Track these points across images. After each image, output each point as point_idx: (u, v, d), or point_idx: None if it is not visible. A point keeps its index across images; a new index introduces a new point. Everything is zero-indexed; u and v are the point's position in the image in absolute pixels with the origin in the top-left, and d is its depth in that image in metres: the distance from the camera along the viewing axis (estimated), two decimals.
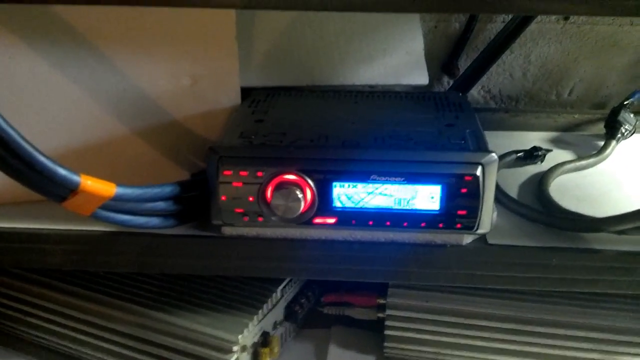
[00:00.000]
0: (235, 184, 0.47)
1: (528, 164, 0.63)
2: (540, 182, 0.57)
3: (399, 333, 0.57)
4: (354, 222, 0.48)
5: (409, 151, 0.47)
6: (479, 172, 0.46)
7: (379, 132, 0.50)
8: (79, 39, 0.54)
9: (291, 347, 0.60)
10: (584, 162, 0.62)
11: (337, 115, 0.56)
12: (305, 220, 0.48)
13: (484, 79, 0.81)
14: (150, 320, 0.53)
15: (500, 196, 0.55)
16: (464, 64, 0.80)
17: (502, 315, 0.55)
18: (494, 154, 0.46)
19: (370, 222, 0.48)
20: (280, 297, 0.57)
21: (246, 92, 0.61)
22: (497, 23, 0.78)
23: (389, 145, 0.48)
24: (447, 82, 0.82)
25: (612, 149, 0.64)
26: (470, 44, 0.80)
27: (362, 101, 0.60)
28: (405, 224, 0.47)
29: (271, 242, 0.49)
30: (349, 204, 0.47)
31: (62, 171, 0.41)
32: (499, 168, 0.60)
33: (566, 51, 0.79)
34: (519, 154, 0.63)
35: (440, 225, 0.47)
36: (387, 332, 0.57)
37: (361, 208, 0.47)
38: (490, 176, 0.46)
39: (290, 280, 0.58)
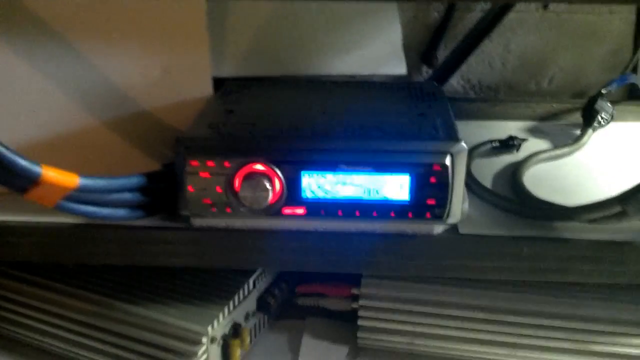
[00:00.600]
0: (202, 174, 0.47)
1: (504, 154, 0.63)
2: (514, 172, 0.57)
3: (372, 323, 0.57)
4: (323, 212, 0.47)
5: (378, 141, 0.46)
6: (447, 161, 0.45)
7: (349, 122, 0.50)
8: (46, 29, 0.53)
9: (264, 339, 0.59)
10: (559, 152, 0.61)
11: (310, 106, 0.55)
12: (274, 211, 0.47)
13: (463, 68, 0.81)
14: (118, 312, 0.52)
15: (474, 185, 0.55)
16: (443, 53, 0.80)
17: (475, 305, 0.55)
18: (463, 143, 0.46)
19: (340, 212, 0.47)
20: (252, 289, 0.56)
21: (220, 83, 0.61)
22: (476, 12, 0.78)
23: (357, 134, 0.47)
24: (426, 72, 0.81)
25: (589, 138, 0.64)
26: (449, 33, 0.79)
27: (336, 91, 0.60)
28: (374, 213, 0.47)
29: (240, 233, 0.49)
30: (317, 194, 0.47)
31: (21, 162, 0.40)
32: (474, 157, 0.61)
33: (545, 40, 0.78)
34: (494, 144, 0.63)
35: (410, 215, 0.47)
36: (360, 322, 0.57)
37: (330, 198, 0.47)
38: (460, 165, 0.46)
39: (263, 272, 0.58)
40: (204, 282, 0.55)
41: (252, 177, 0.46)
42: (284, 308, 0.62)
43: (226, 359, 0.53)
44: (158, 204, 0.51)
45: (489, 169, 0.60)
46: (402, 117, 0.51)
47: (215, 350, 0.52)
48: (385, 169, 0.46)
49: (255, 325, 0.58)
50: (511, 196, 0.54)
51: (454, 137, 0.47)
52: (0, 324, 0.57)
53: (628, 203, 0.44)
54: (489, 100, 0.78)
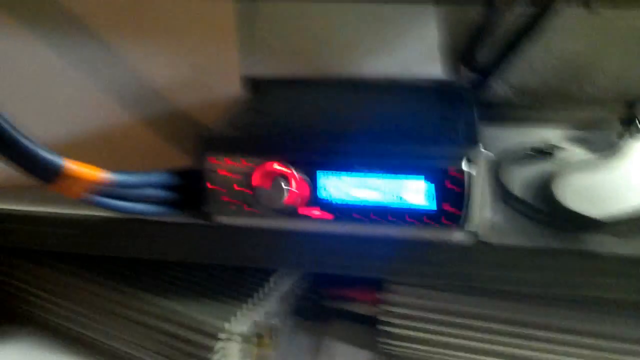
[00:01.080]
0: (220, 172, 0.47)
1: (539, 161, 0.61)
2: (545, 180, 0.55)
3: (393, 329, 0.56)
4: (339, 214, 0.47)
5: (394, 144, 0.46)
6: (464, 166, 0.44)
7: (371, 124, 0.50)
8: (83, 28, 0.55)
9: (287, 339, 0.60)
10: (595, 161, 0.59)
11: (336, 108, 0.55)
12: (290, 210, 0.48)
13: (504, 71, 0.79)
14: (142, 303, 0.54)
15: (502, 192, 0.53)
16: (483, 55, 0.78)
17: (498, 317, 0.53)
18: (481, 148, 0.45)
19: (356, 215, 0.47)
20: (274, 288, 0.57)
21: (254, 83, 0.62)
22: (517, 14, 0.76)
23: (378, 137, 0.47)
24: (466, 74, 0.80)
25: (628, 146, 0.61)
26: (490, 35, 0.77)
27: (365, 93, 0.60)
28: (390, 217, 0.47)
29: (257, 231, 0.49)
30: (334, 196, 0.47)
31: (45, 154, 0.42)
32: (506, 164, 0.59)
33: (589, 44, 0.75)
34: (529, 151, 0.61)
35: (426, 220, 0.46)
36: (381, 327, 0.56)
37: (345, 200, 0.47)
38: (478, 171, 0.45)
39: (286, 272, 0.58)
40: (228, 279, 0.56)
41: (269, 176, 0.47)
42: (310, 309, 0.62)
43: (245, 355, 0.54)
44: (185, 200, 0.52)
45: (521, 177, 0.58)
46: (424, 120, 0.51)
47: (234, 346, 0.53)
48: (401, 172, 0.45)
49: (276, 324, 0.58)
50: (540, 205, 0.52)
51: (472, 142, 0.46)
52: (35, 310, 0.60)
53: None
54: (530, 105, 0.76)
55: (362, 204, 0.47)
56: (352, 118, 0.52)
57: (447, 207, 0.45)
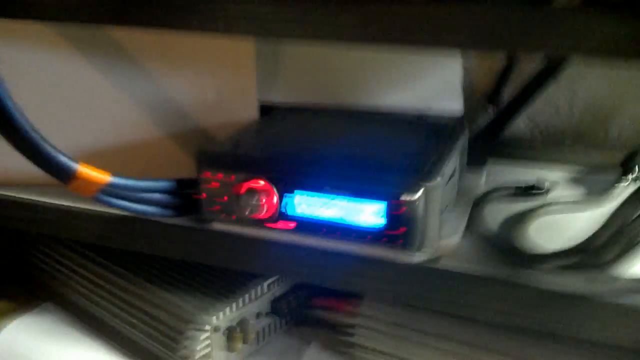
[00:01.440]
0: (213, 184, 0.55)
1: (529, 198, 0.63)
2: (522, 215, 0.58)
3: (367, 343, 0.60)
4: (310, 229, 0.53)
5: (360, 170, 0.51)
6: (417, 195, 0.49)
7: (350, 151, 0.55)
8: (124, 53, 0.65)
9: (273, 341, 0.65)
10: (581, 203, 0.61)
11: (328, 134, 0.61)
12: (269, 222, 0.54)
13: (530, 111, 0.81)
14: (146, 292, 0.63)
15: (477, 223, 0.57)
16: (509, 94, 0.81)
17: (460, 340, 0.56)
18: (437, 180, 0.49)
19: (324, 231, 0.53)
20: (265, 291, 0.63)
21: (269, 108, 0.69)
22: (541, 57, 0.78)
23: (346, 163, 0.53)
24: (492, 112, 0.82)
25: (621, 192, 0.62)
26: (516, 75, 0.80)
27: (363, 123, 0.65)
28: (353, 235, 0.52)
29: (242, 239, 0.56)
30: (306, 213, 0.53)
31: (62, 158, 0.51)
32: (491, 200, 0.62)
33: (614, 88, 0.76)
34: (522, 187, 0.64)
35: (379, 240, 0.51)
36: (354, 340, 0.61)
37: (316, 217, 0.52)
38: (432, 200, 0.49)
39: (280, 278, 0.64)
40: (224, 279, 0.63)
41: (252, 192, 0.53)
42: (297, 316, 0.67)
43: (229, 349, 0.61)
44: (188, 206, 0.60)
45: (505, 210, 0.61)
46: (398, 150, 0.56)
47: (219, 339, 0.60)
48: (360, 195, 0.50)
49: (266, 326, 0.64)
50: (507, 238, 0.55)
51: (431, 174, 0.50)
52: (63, 288, 0.70)
53: (586, 253, 0.44)
54: (551, 145, 0.78)
55: (329, 222, 0.52)
56: (336, 144, 0.58)
57: (402, 231, 0.50)
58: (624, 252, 0.42)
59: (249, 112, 0.67)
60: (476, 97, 0.81)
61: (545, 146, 0.79)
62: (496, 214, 0.60)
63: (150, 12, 0.50)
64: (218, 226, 0.57)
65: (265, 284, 0.63)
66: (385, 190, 0.50)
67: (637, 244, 0.41)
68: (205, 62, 0.65)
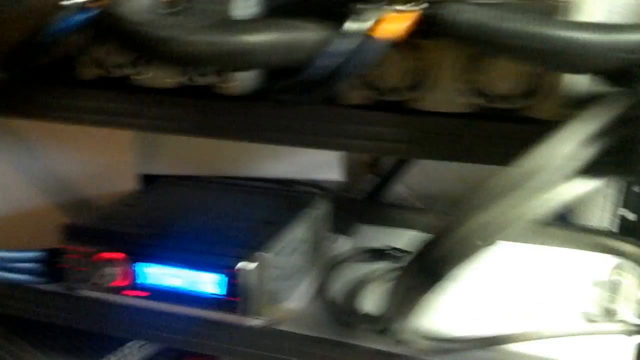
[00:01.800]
0: (75, 255, 0.60)
1: (384, 261, 0.69)
2: (361, 279, 0.64)
3: None
4: (161, 296, 0.58)
5: (206, 243, 0.57)
6: (250, 266, 0.54)
7: (205, 224, 0.61)
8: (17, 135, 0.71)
9: None
10: None
11: (197, 207, 0.67)
12: (125, 290, 0.59)
13: (406, 179, 0.87)
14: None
15: (320, 287, 0.62)
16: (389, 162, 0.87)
17: None
18: (267, 255, 0.55)
19: (174, 298, 0.57)
20: (127, 354, 0.67)
21: (150, 179, 0.75)
22: None
23: (197, 236, 0.58)
24: (368, 178, 0.89)
25: None
26: None
27: (235, 194, 0.71)
28: (199, 302, 0.57)
29: (103, 305, 0.61)
30: (156, 282, 0.58)
31: None
32: (349, 263, 0.68)
33: None
34: (376, 250, 0.70)
35: (223, 307, 0.56)
36: None
37: (165, 286, 0.57)
38: (264, 271, 0.55)
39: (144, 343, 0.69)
40: (92, 342, 0.67)
41: (108, 262, 0.58)
42: None
43: None
44: (60, 274, 0.64)
45: (351, 275, 0.66)
46: (252, 223, 0.61)
47: None
48: (202, 268, 0.56)
49: None
50: (343, 301, 0.60)
51: (263, 247, 0.56)
52: None
53: (388, 322, 0.50)
54: (424, 210, 0.84)
55: (173, 289, 0.57)
56: (194, 217, 0.63)
57: (238, 299, 0.55)
58: (402, 314, 0.48)
59: (128, 184, 0.73)
60: (359, 165, 0.88)
61: (420, 211, 0.85)
62: (346, 277, 0.65)
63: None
64: (83, 293, 0.61)
65: (136, 347, 0.67)
66: (220, 262, 0.55)
67: (410, 305, 0.47)
68: (88, 139, 0.71)
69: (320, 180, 0.82)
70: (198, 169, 0.79)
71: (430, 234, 0.44)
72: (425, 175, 0.87)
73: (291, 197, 0.69)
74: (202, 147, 0.79)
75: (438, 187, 0.87)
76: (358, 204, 0.82)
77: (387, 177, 0.87)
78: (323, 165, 0.82)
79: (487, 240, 0.42)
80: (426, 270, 0.44)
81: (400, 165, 0.87)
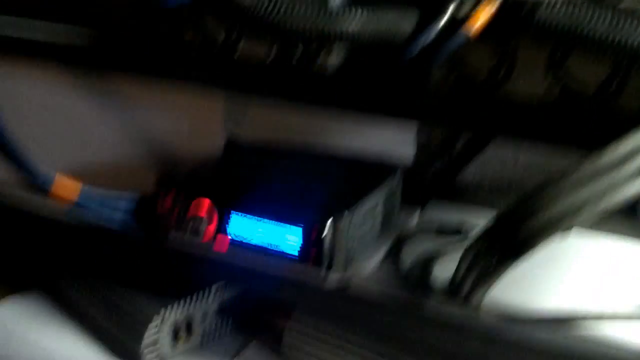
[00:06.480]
0: (166, 204, 0.65)
1: (453, 237, 0.71)
2: (429, 253, 0.66)
3: (296, 349, 0.69)
4: (242, 249, 0.62)
5: (289, 199, 0.61)
6: (328, 223, 0.58)
7: (287, 185, 0.65)
8: (113, 85, 0.76)
9: (218, 341, 0.73)
10: None
11: (278, 171, 0.71)
12: (209, 238, 0.63)
13: (479, 162, 0.89)
14: (109, 290, 0.72)
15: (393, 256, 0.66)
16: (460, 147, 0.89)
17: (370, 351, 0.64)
18: (344, 213, 0.58)
19: (254, 249, 0.62)
20: (212, 295, 0.72)
21: (234, 146, 0.79)
22: None
23: (280, 194, 0.63)
24: (440, 161, 0.91)
25: None
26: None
27: (312, 162, 0.75)
28: (276, 255, 0.61)
29: (188, 255, 0.66)
30: (239, 232, 0.62)
31: (40, 170, 0.62)
32: (416, 237, 0.71)
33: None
34: (444, 226, 0.72)
35: (300, 262, 0.60)
36: (285, 342, 0.69)
37: (246, 237, 0.62)
38: (340, 229, 0.58)
39: (227, 284, 0.73)
40: (178, 281, 0.72)
41: (196, 213, 0.63)
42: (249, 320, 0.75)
43: (175, 342, 0.70)
44: (146, 220, 0.70)
45: (419, 248, 0.68)
46: (331, 186, 0.66)
47: (166, 332, 0.69)
48: (284, 221, 0.60)
49: (211, 325, 0.73)
50: (414, 268, 0.63)
51: (341, 207, 0.59)
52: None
53: (461, 293, 0.52)
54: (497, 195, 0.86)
55: (258, 244, 0.61)
56: (277, 178, 0.68)
57: (312, 252, 0.59)
58: (477, 284, 0.50)
59: (215, 146, 0.77)
60: (432, 145, 0.90)
61: (490, 194, 0.86)
62: (416, 248, 0.68)
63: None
64: (170, 238, 0.66)
65: (213, 288, 0.72)
66: (302, 217, 0.59)
67: (487, 276, 0.49)
68: (182, 101, 0.76)
69: (392, 157, 0.84)
70: (278, 138, 0.83)
71: (511, 213, 0.47)
72: (497, 158, 0.88)
73: (370, 167, 0.72)
74: (283, 118, 0.83)
75: (509, 171, 0.88)
76: (431, 181, 0.85)
77: (458, 159, 0.89)
78: (397, 143, 0.85)
79: (569, 224, 0.44)
80: (508, 247, 0.47)
81: (473, 147, 0.88)
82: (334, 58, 0.55)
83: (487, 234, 0.48)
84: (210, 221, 0.63)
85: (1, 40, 0.68)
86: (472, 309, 0.52)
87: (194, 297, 0.70)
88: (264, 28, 0.48)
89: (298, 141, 0.83)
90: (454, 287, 0.52)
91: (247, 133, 0.82)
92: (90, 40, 0.65)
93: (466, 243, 0.68)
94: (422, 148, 0.88)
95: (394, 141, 0.85)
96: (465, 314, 0.54)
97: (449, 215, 0.78)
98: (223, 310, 0.73)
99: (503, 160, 0.88)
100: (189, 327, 0.70)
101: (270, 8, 0.49)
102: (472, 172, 0.90)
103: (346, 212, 0.58)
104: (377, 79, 0.53)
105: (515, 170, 0.87)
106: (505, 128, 0.50)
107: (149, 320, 0.67)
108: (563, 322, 0.54)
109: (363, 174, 0.69)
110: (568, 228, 0.45)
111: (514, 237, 0.46)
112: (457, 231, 0.72)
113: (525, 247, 0.46)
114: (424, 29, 0.46)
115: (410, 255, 0.66)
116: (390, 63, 0.49)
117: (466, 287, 0.50)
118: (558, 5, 0.43)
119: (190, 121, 0.77)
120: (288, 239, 0.60)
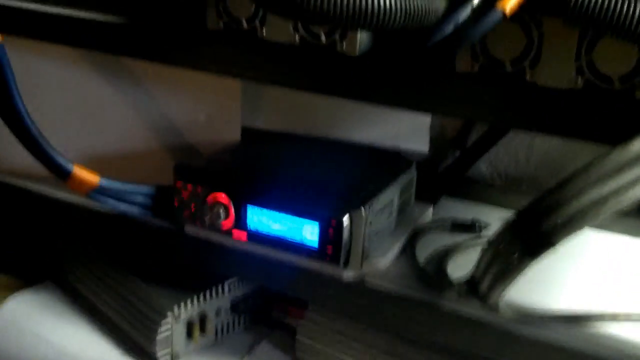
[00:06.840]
0: (184, 193, 0.65)
1: (462, 234, 0.71)
2: (448, 247, 0.67)
3: (309, 344, 0.69)
4: (259, 239, 0.63)
5: (306, 193, 0.61)
6: (345, 218, 0.58)
7: (305, 177, 0.65)
8: (130, 73, 0.76)
9: (231, 336, 0.75)
10: None
11: (295, 161, 0.71)
12: (226, 230, 0.64)
13: (490, 157, 0.89)
14: (126, 281, 0.73)
15: (409, 251, 0.66)
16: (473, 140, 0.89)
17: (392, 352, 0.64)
18: (361, 208, 0.58)
19: (271, 242, 0.62)
20: (226, 290, 0.72)
21: (251, 132, 0.79)
22: None
23: (297, 186, 0.62)
24: (452, 154, 0.91)
25: None
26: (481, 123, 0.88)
27: (329, 153, 0.75)
28: (293, 248, 0.61)
29: (205, 243, 0.66)
30: (256, 225, 0.62)
31: (59, 159, 0.62)
32: (430, 232, 0.71)
33: (567, 143, 0.84)
34: (456, 223, 0.72)
35: (315, 255, 0.60)
36: (298, 339, 0.70)
37: (263, 230, 0.62)
38: (357, 225, 0.58)
39: (241, 280, 0.74)
40: (191, 275, 0.73)
41: (213, 203, 0.63)
42: (262, 317, 0.76)
43: (188, 338, 0.70)
44: (165, 209, 0.70)
45: (433, 243, 0.68)
46: (348, 179, 0.65)
47: (180, 329, 0.69)
48: (301, 215, 0.60)
49: (224, 322, 0.74)
50: (426, 265, 0.63)
51: (358, 202, 0.59)
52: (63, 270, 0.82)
53: (477, 289, 0.52)
54: (509, 190, 0.86)
55: (275, 235, 0.62)
56: (294, 169, 0.67)
57: (329, 247, 0.59)
58: (497, 281, 0.50)
59: (232, 134, 0.77)
60: (444, 140, 0.90)
61: (502, 190, 0.87)
62: (430, 244, 0.68)
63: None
64: (188, 229, 0.67)
65: (226, 284, 0.73)
66: (319, 212, 0.59)
67: (507, 273, 0.49)
68: (199, 89, 0.76)
69: (406, 150, 0.84)
70: (292, 126, 0.83)
71: (533, 208, 0.47)
72: (509, 155, 0.88)
73: (386, 160, 0.72)
74: (300, 106, 0.83)
75: (521, 168, 0.88)
76: (443, 176, 0.85)
77: (471, 153, 0.89)
78: (411, 135, 0.85)
79: (593, 218, 0.44)
80: (531, 243, 0.47)
81: (484, 142, 0.88)
82: (360, 41, 0.54)
83: (509, 230, 0.48)
84: (227, 213, 0.63)
85: (21, 26, 0.68)
86: (490, 307, 0.52)
87: (208, 293, 0.71)
88: (288, 10, 0.46)
89: (314, 131, 0.83)
90: (472, 283, 0.52)
91: (264, 123, 0.82)
92: (110, 26, 0.65)
93: (482, 239, 0.69)
94: (435, 142, 0.88)
95: (407, 134, 0.84)
96: (483, 311, 0.54)
97: (459, 211, 0.78)
98: (236, 307, 0.74)
99: (516, 157, 0.88)
100: (202, 324, 0.71)
101: None
102: (485, 168, 0.90)
103: (363, 208, 0.58)
104: (401, 67, 0.52)
105: (528, 167, 0.87)
106: (530, 119, 0.50)
107: (163, 317, 0.68)
108: (578, 320, 0.55)
109: (379, 167, 0.69)
110: (592, 222, 0.45)
111: (536, 232, 0.46)
112: (471, 227, 0.72)
113: (548, 242, 0.45)
114: (457, 7, 0.46)
115: (426, 250, 0.66)
116: (417, 48, 0.48)
117: (485, 283, 0.50)
118: None
119: (208, 111, 0.76)
120: (305, 233, 0.60)
